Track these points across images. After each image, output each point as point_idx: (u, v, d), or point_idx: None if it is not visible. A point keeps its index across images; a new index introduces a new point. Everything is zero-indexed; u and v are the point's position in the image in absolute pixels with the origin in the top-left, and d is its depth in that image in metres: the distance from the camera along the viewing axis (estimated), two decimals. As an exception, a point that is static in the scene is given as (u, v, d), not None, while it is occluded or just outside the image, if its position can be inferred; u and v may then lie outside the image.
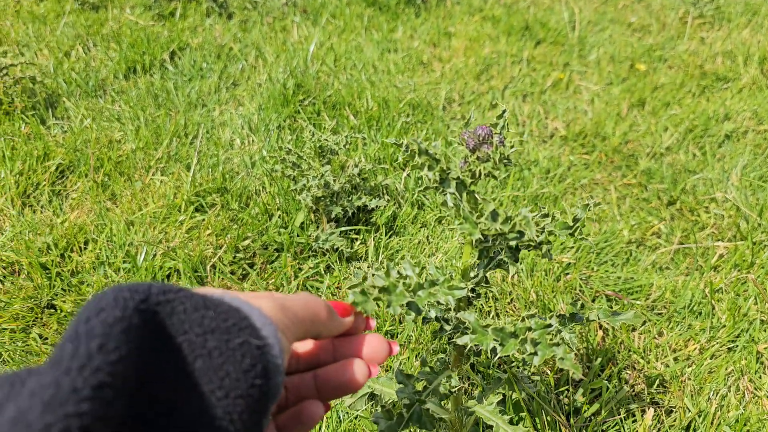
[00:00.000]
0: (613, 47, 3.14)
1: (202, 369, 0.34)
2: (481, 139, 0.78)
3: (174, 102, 2.48)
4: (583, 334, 1.48)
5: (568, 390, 1.35)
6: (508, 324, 0.80)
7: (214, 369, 0.34)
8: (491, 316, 1.54)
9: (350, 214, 1.78)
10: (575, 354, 1.44)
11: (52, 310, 1.56)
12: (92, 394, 0.27)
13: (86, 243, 1.76)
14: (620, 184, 2.15)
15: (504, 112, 0.82)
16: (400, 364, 1.40)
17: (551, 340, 0.75)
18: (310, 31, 3.17)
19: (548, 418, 1.24)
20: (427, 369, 0.97)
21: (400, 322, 1.51)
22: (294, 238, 1.74)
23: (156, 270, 1.64)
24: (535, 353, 0.75)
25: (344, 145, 1.70)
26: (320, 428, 1.27)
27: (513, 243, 0.84)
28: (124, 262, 1.68)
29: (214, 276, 1.65)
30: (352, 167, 1.78)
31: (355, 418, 1.28)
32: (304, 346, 0.52)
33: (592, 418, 1.28)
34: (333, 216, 1.74)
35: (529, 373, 1.36)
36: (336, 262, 1.69)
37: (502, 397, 1.19)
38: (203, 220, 1.82)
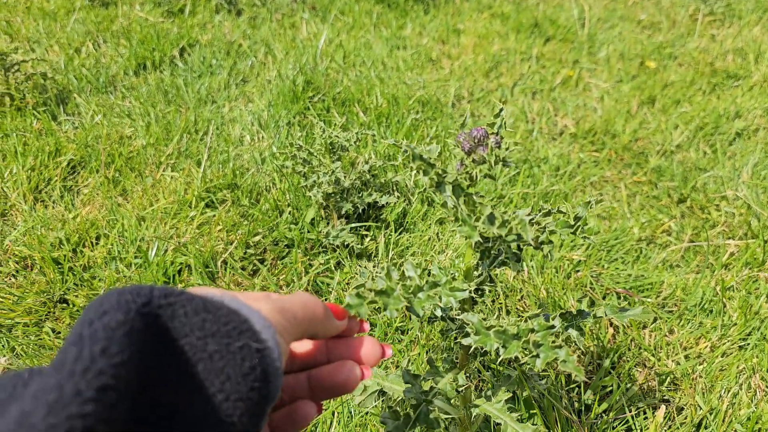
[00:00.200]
0: (623, 44, 3.13)
1: (203, 372, 0.34)
2: (476, 141, 0.77)
3: (184, 98, 2.49)
4: (594, 331, 1.48)
5: (579, 387, 1.35)
6: (511, 325, 0.80)
7: (215, 372, 0.34)
8: (502, 312, 1.54)
9: (360, 210, 1.78)
10: (585, 352, 1.44)
11: (65, 305, 1.57)
12: (95, 396, 0.28)
13: (98, 238, 1.77)
14: (630, 181, 2.14)
15: (501, 110, 0.81)
16: (409, 362, 1.41)
17: (553, 342, 0.75)
18: (318, 28, 3.17)
19: (559, 415, 1.24)
20: (435, 368, 0.97)
21: (410, 319, 1.52)
22: (304, 234, 1.74)
23: (167, 265, 1.65)
24: (538, 356, 0.75)
25: (354, 142, 1.70)
26: (331, 424, 1.28)
27: (513, 244, 0.84)
28: (136, 257, 1.69)
29: (225, 272, 1.66)
30: (362, 164, 1.78)
31: (366, 414, 1.28)
32: (300, 347, 0.53)
33: (603, 415, 1.28)
34: (343, 212, 1.74)
35: (539, 371, 1.36)
36: (346, 258, 1.70)
37: (511, 394, 1.19)
38: (214, 215, 1.83)
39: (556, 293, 1.57)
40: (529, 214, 0.85)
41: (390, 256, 1.71)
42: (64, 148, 2.11)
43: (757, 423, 1.27)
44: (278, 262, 1.71)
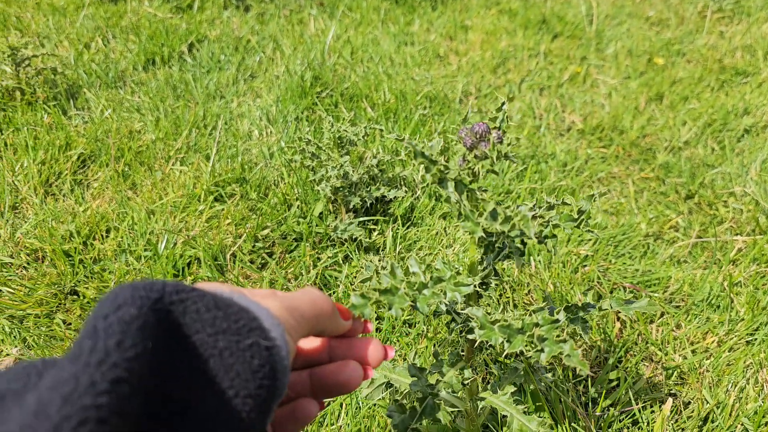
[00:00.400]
0: (631, 41, 3.12)
1: (213, 368, 0.35)
2: (478, 136, 0.77)
3: (193, 93, 2.50)
4: (601, 326, 1.48)
5: (586, 380, 1.36)
6: (516, 319, 0.80)
7: (225, 369, 0.35)
8: (509, 306, 1.54)
9: (368, 204, 1.79)
10: (592, 346, 1.44)
11: (75, 297, 1.59)
12: (110, 388, 0.28)
13: (108, 231, 1.78)
14: (638, 177, 2.14)
15: (503, 104, 0.81)
16: (416, 354, 1.41)
17: (558, 336, 0.75)
18: (326, 24, 3.18)
19: (566, 408, 1.25)
20: (441, 362, 0.97)
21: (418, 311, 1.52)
22: (313, 228, 1.75)
23: (177, 258, 1.66)
24: (542, 350, 0.75)
25: (363, 137, 1.71)
26: (339, 416, 1.29)
27: (517, 239, 0.84)
28: (146, 250, 1.70)
29: (233, 265, 1.67)
30: (370, 158, 1.79)
31: (374, 405, 1.29)
32: (304, 344, 0.53)
33: (610, 408, 1.28)
34: (351, 206, 1.75)
35: (546, 365, 1.37)
36: (354, 251, 1.70)
37: (518, 387, 1.20)
38: (223, 209, 1.84)
39: (564, 287, 1.58)
40: (532, 209, 0.85)
41: (398, 250, 1.71)
42: (74, 142, 2.12)
43: (764, 417, 1.27)
44: (287, 255, 1.72)
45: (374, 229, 1.80)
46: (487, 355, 1.36)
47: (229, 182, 1.95)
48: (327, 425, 1.26)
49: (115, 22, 3.09)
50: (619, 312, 1.53)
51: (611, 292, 1.61)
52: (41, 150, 2.05)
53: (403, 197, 1.84)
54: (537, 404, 1.25)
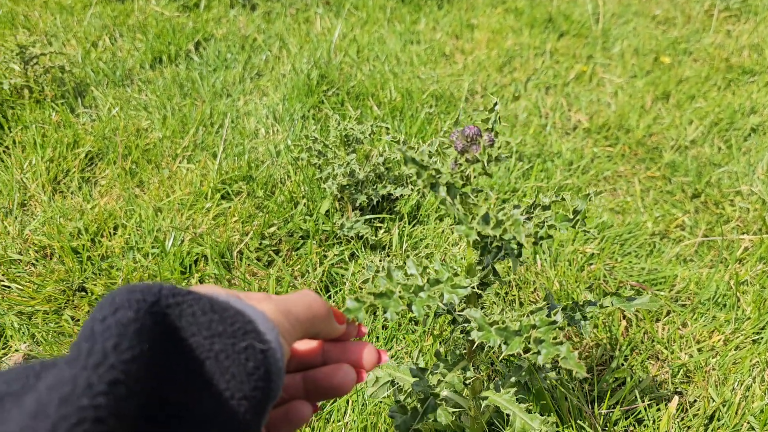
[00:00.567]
0: (638, 40, 3.12)
1: (209, 371, 0.35)
2: (469, 139, 0.76)
3: (199, 92, 2.51)
4: (607, 324, 1.48)
5: (591, 378, 1.36)
6: (513, 321, 0.80)
7: (221, 371, 0.36)
8: (515, 304, 1.55)
9: (375, 202, 1.79)
10: (598, 344, 1.44)
11: (83, 293, 1.60)
12: (107, 390, 0.29)
13: (116, 228, 1.79)
14: (644, 176, 2.14)
15: (495, 105, 0.80)
16: (421, 352, 1.42)
17: (554, 339, 0.75)
18: (332, 23, 3.18)
19: (571, 406, 1.25)
20: (443, 361, 0.97)
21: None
22: (319, 226, 1.76)
23: (184, 255, 1.67)
24: (539, 352, 0.75)
25: (369, 135, 1.71)
26: (345, 412, 1.29)
27: (512, 242, 0.84)
28: (153, 247, 1.71)
29: (240, 262, 1.68)
30: (376, 156, 1.79)
31: (380, 402, 1.30)
32: (298, 347, 0.54)
33: (616, 406, 1.29)
34: (358, 204, 1.76)
35: (549, 363, 1.37)
36: (360, 249, 1.71)
37: (522, 385, 1.20)
38: (229, 207, 1.85)
39: (570, 286, 1.58)
40: (528, 208, 0.85)
41: (404, 248, 1.72)
42: (82, 140, 2.14)
43: (770, 416, 1.27)
44: (293, 253, 1.73)
45: (380, 227, 1.80)
46: (492, 352, 1.36)
47: (236, 180, 1.96)
48: (333, 422, 1.27)
49: (122, 20, 3.10)
50: (625, 310, 1.53)
51: (617, 291, 1.61)
52: (49, 147, 2.07)
53: (409, 195, 1.84)
54: (542, 402, 1.26)
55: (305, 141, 1.77)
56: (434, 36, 3.12)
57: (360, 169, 1.71)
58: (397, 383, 1.13)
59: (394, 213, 1.85)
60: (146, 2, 3.33)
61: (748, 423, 1.26)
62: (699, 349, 1.45)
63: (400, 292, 0.72)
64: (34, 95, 2.36)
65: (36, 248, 1.71)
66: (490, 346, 0.84)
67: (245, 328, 0.38)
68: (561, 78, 2.75)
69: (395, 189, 1.77)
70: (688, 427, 1.27)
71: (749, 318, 1.51)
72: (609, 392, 1.31)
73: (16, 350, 1.45)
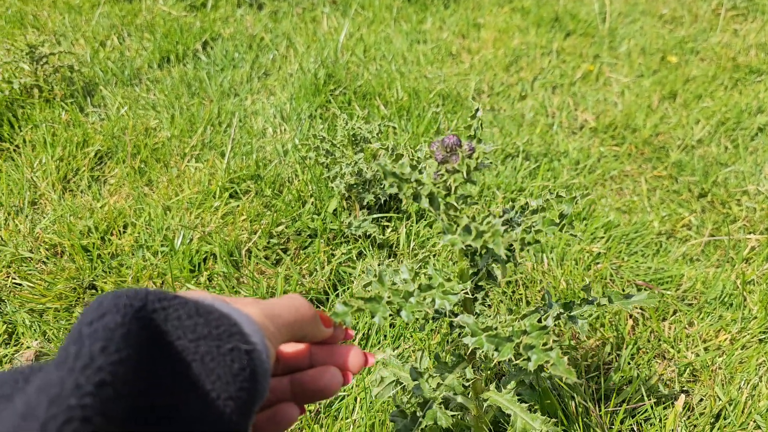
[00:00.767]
0: (644, 39, 3.12)
1: (195, 373, 0.36)
2: (448, 150, 0.75)
3: (207, 91, 2.53)
4: (613, 323, 1.49)
5: (598, 376, 1.36)
6: (505, 326, 0.80)
7: (207, 373, 0.36)
8: (522, 303, 1.56)
9: (382, 201, 1.80)
10: (605, 342, 1.45)
11: (94, 291, 1.62)
12: (94, 391, 0.29)
13: (125, 227, 1.81)
14: (651, 176, 2.15)
15: (477, 111, 0.79)
16: (423, 352, 1.43)
17: (544, 345, 0.75)
18: (339, 22, 3.19)
19: (578, 404, 1.26)
20: (442, 364, 0.97)
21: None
22: (327, 225, 1.77)
23: (193, 254, 1.69)
24: (529, 358, 0.75)
25: (377, 134, 1.72)
26: (353, 409, 1.30)
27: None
28: (162, 245, 1.72)
29: (249, 261, 1.69)
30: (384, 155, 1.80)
31: (389, 398, 1.31)
32: (285, 350, 0.54)
33: (622, 404, 1.29)
34: (365, 203, 1.77)
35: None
36: (368, 248, 1.72)
37: (528, 384, 1.20)
38: (238, 206, 1.86)
39: (576, 285, 1.59)
40: (518, 212, 0.85)
41: (411, 246, 1.73)
42: (91, 139, 2.15)
43: (776, 414, 1.28)
44: (301, 251, 1.74)
45: (388, 226, 1.81)
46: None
47: (244, 179, 1.97)
48: (342, 419, 1.28)
49: (130, 20, 3.12)
50: (632, 309, 1.53)
51: (623, 290, 1.62)
52: (59, 146, 2.08)
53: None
54: (547, 401, 1.26)
55: (313, 140, 1.78)
56: (441, 35, 3.12)
57: (367, 168, 1.72)
58: (402, 383, 1.14)
59: (401, 212, 1.86)
60: (154, 2, 3.35)
61: (755, 422, 1.27)
62: (705, 348, 1.45)
63: (389, 297, 0.72)
64: (44, 94, 2.38)
65: (47, 246, 1.73)
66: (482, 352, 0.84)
67: (230, 330, 0.38)
68: (568, 77, 2.76)
69: (402, 188, 1.78)
70: (695, 426, 1.27)
71: (756, 317, 1.51)
72: (615, 391, 1.32)
73: (28, 347, 1.47)
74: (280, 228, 1.78)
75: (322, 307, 1.59)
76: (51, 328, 1.50)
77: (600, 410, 1.28)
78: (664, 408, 1.30)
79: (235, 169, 2.00)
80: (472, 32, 3.17)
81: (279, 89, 2.58)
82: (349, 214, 1.81)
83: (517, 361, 0.77)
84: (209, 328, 0.38)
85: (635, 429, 1.28)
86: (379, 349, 1.45)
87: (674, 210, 1.96)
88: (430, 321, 1.45)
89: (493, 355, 0.77)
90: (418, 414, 0.93)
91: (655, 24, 3.33)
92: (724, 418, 1.28)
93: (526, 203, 0.87)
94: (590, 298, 0.92)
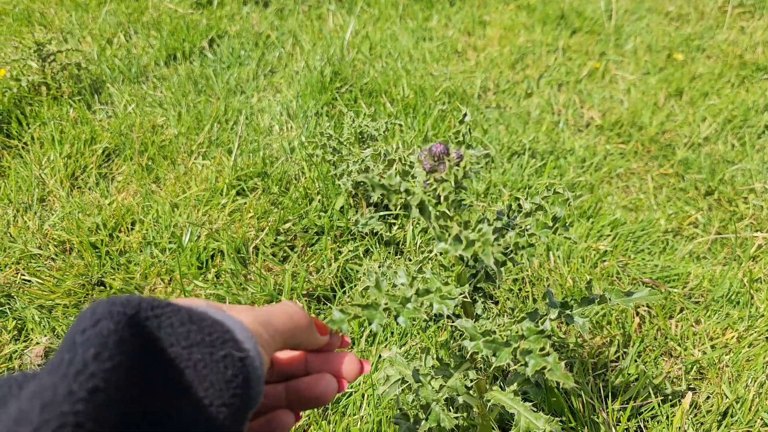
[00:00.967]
0: (651, 37, 3.11)
1: (188, 379, 0.36)
2: (436, 158, 0.73)
3: (214, 88, 2.53)
4: (620, 321, 1.49)
5: (605, 373, 1.37)
6: (503, 330, 0.80)
7: (200, 379, 0.37)
8: (529, 300, 1.56)
9: (389, 199, 1.80)
10: (611, 340, 1.45)
11: (102, 287, 1.63)
12: (87, 397, 0.30)
13: (133, 224, 1.82)
14: (657, 173, 2.14)
15: (465, 116, 0.78)
16: (427, 352, 1.43)
17: (542, 350, 0.75)
18: (345, 20, 3.20)
19: (585, 402, 1.26)
20: (445, 365, 0.97)
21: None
22: (334, 222, 1.78)
23: (200, 250, 1.69)
24: (526, 363, 0.75)
25: (383, 131, 1.72)
26: (361, 406, 1.31)
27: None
28: (170, 242, 1.73)
29: (256, 257, 1.70)
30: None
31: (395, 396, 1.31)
32: (280, 357, 0.55)
33: (629, 401, 1.30)
34: (372, 201, 1.77)
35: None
36: (375, 245, 1.73)
37: (534, 382, 1.21)
38: (245, 203, 1.87)
39: (583, 283, 1.59)
40: (510, 215, 0.85)
41: (418, 244, 1.73)
42: (99, 136, 2.16)
43: (783, 412, 1.28)
44: (308, 248, 1.75)
45: (394, 224, 1.82)
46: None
47: (251, 176, 1.98)
48: (349, 415, 1.29)
49: (136, 18, 3.13)
50: (638, 305, 1.54)
51: (630, 288, 1.62)
52: (67, 144, 2.09)
53: (422, 192, 1.85)
54: (553, 399, 1.27)
55: (320, 138, 1.78)
56: (446, 33, 3.12)
57: (374, 165, 1.73)
58: (408, 382, 1.14)
59: (408, 210, 1.86)
60: (160, 0, 3.36)
61: (762, 420, 1.27)
62: (712, 346, 1.45)
63: (386, 303, 0.72)
64: (52, 92, 2.39)
65: (55, 243, 1.74)
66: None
67: (223, 337, 0.39)
68: (574, 75, 2.75)
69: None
70: (702, 424, 1.28)
71: (763, 315, 1.51)
72: (622, 388, 1.32)
73: (38, 343, 1.48)
74: (287, 225, 1.78)
75: (329, 304, 1.60)
76: (60, 325, 1.51)
77: (607, 408, 1.28)
78: (671, 406, 1.30)
79: (242, 166, 2.01)
80: (477, 30, 3.17)
81: (285, 87, 2.58)
82: (356, 212, 1.82)
83: (515, 366, 0.76)
84: (202, 335, 0.38)
85: (642, 427, 1.28)
86: (385, 346, 1.45)
87: (681, 208, 1.95)
88: (432, 324, 1.46)
89: (491, 360, 0.77)
90: (421, 416, 0.94)
91: (661, 21, 3.32)
92: (731, 416, 1.28)
93: (519, 204, 0.87)
94: (591, 296, 0.91)
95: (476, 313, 0.97)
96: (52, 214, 1.84)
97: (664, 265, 1.70)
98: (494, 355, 0.78)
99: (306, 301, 1.58)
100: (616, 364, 1.41)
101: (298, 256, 1.71)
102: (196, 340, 0.37)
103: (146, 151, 2.10)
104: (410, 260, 1.68)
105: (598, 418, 1.25)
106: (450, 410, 1.12)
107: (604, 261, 1.69)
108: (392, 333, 1.48)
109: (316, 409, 1.31)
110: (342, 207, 1.82)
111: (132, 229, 1.80)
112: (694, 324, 1.52)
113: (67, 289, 1.59)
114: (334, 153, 1.75)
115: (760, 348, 1.42)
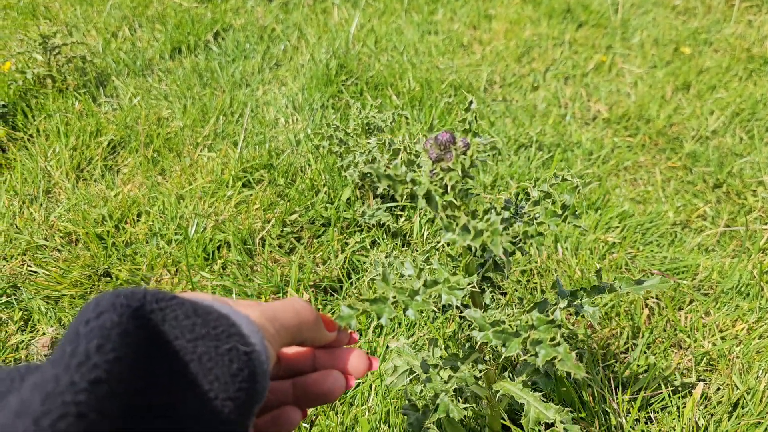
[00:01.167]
0: (657, 30, 3.09)
1: (193, 373, 0.36)
2: (442, 147, 0.72)
3: (219, 81, 2.52)
4: (629, 312, 1.48)
5: (615, 365, 1.36)
6: (513, 320, 0.79)
7: (204, 373, 0.36)
8: (537, 292, 1.55)
9: (395, 190, 1.80)
10: (621, 331, 1.44)
11: (108, 278, 1.62)
12: (89, 388, 0.29)
13: (139, 215, 1.81)
14: (665, 166, 2.13)
15: (471, 103, 0.77)
16: (435, 342, 1.42)
17: (552, 339, 0.74)
18: (350, 13, 3.18)
19: (595, 392, 1.25)
20: (453, 356, 0.96)
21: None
22: (340, 213, 1.77)
23: (207, 242, 1.69)
24: (537, 354, 0.74)
25: (390, 123, 1.72)
26: (369, 396, 1.30)
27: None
28: (176, 234, 1.73)
29: (262, 249, 1.69)
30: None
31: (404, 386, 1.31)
32: (288, 353, 0.54)
33: (640, 392, 1.29)
34: (379, 192, 1.76)
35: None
36: (382, 237, 1.72)
37: (544, 372, 1.20)
38: (251, 195, 1.86)
39: (591, 274, 1.58)
40: (525, 198, 0.83)
41: (425, 235, 1.72)
42: (104, 128, 2.16)
43: (795, 404, 1.27)
44: (315, 240, 1.74)
45: (401, 215, 1.81)
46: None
47: (257, 168, 1.97)
48: (357, 405, 1.28)
49: (141, 11, 3.12)
50: (647, 297, 1.53)
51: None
52: (72, 136, 2.09)
53: (429, 184, 1.84)
54: (563, 389, 1.26)
55: (326, 129, 1.78)
56: (452, 26, 3.11)
57: (381, 156, 1.72)
58: (416, 372, 1.13)
59: (414, 200, 1.85)
60: (165, -7, 3.35)
61: (773, 411, 1.26)
62: (722, 338, 1.44)
63: (394, 297, 0.71)
64: (57, 84, 2.38)
65: (61, 234, 1.74)
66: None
67: (229, 331, 0.38)
68: (580, 68, 2.74)
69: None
70: (712, 415, 1.27)
71: (773, 307, 1.50)
72: (632, 380, 1.31)
73: (44, 334, 1.48)
74: (293, 217, 1.78)
75: (336, 296, 1.59)
76: (66, 315, 1.51)
77: (617, 398, 1.27)
78: (681, 397, 1.29)
79: (248, 158, 2.00)
80: (483, 23, 3.16)
81: (290, 80, 2.57)
82: (363, 203, 1.81)
83: (525, 357, 0.76)
84: (207, 329, 0.37)
85: (652, 417, 1.27)
86: (393, 337, 1.45)
87: (689, 200, 1.94)
88: (440, 314, 1.45)
89: (501, 350, 0.76)
90: (429, 407, 0.93)
91: (667, 15, 3.30)
92: (742, 407, 1.27)
93: (527, 193, 0.86)
94: (601, 285, 0.90)
95: (485, 303, 0.96)
96: (58, 206, 1.84)
97: (673, 257, 1.69)
98: (504, 345, 0.77)
99: (313, 292, 1.57)
100: (626, 355, 1.41)
101: (304, 248, 1.70)
102: (201, 333, 0.37)
103: (152, 143, 2.10)
104: (417, 251, 1.67)
105: (608, 408, 1.24)
106: (459, 401, 1.11)
107: (613, 253, 1.68)
108: (399, 324, 1.47)
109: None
110: (348, 198, 1.81)
111: (138, 220, 1.80)
112: (703, 316, 1.51)
113: (74, 280, 1.59)
114: (341, 144, 1.74)
115: (770, 339, 1.41)
